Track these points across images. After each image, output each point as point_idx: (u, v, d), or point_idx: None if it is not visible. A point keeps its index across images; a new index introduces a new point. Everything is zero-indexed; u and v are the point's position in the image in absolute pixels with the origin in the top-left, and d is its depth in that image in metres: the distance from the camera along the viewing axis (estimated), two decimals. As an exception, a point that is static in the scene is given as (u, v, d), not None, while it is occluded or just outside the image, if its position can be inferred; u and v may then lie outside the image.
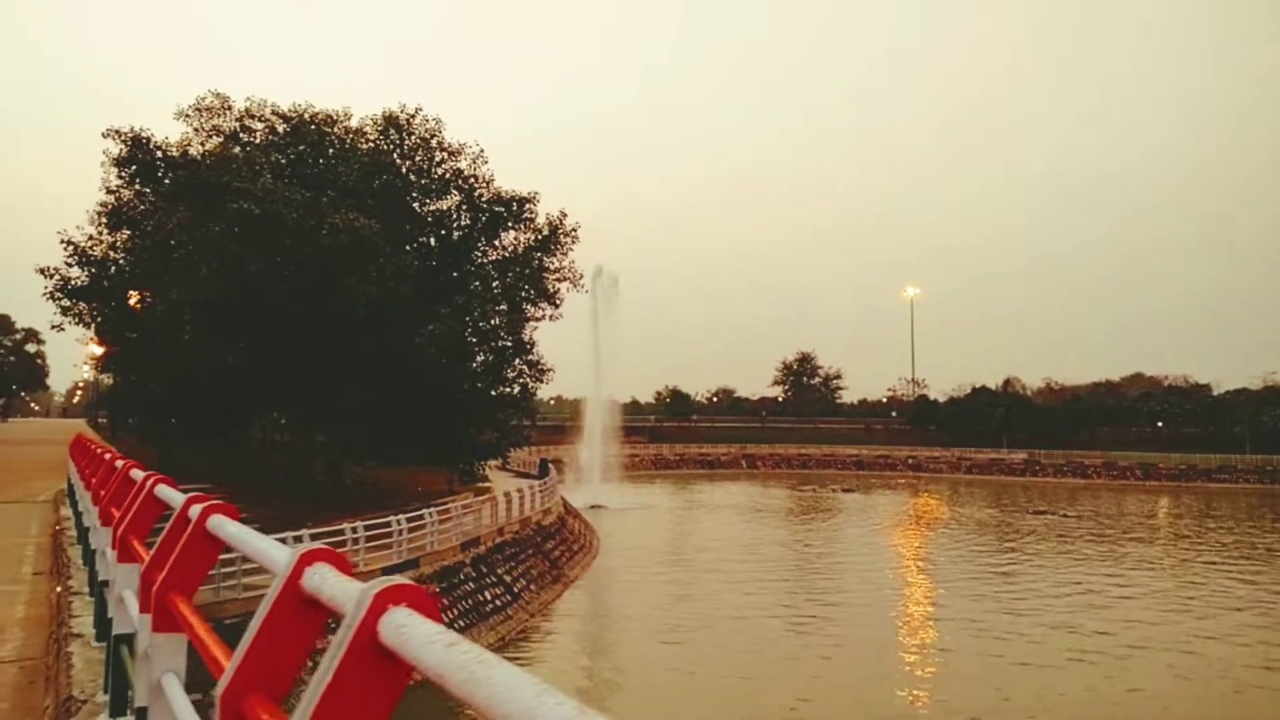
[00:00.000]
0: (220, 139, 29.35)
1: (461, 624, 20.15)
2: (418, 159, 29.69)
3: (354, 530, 19.07)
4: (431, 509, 22.14)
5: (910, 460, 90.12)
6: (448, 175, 30.03)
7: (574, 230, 31.47)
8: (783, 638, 22.31)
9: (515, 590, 24.04)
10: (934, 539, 44.14)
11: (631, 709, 17.30)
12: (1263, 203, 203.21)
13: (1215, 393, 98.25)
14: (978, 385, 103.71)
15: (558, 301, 31.58)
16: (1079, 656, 20.46)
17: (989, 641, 21.99)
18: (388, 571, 19.55)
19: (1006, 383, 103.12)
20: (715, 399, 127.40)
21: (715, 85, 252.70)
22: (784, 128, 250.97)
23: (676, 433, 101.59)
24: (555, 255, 31.19)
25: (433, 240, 31.36)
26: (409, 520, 20.71)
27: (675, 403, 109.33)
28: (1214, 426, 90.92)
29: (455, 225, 30.90)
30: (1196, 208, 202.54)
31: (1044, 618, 24.51)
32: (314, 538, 18.38)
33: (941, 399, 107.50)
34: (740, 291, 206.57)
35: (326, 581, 1.74)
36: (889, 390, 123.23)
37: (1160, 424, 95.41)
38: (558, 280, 31.54)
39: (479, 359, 29.94)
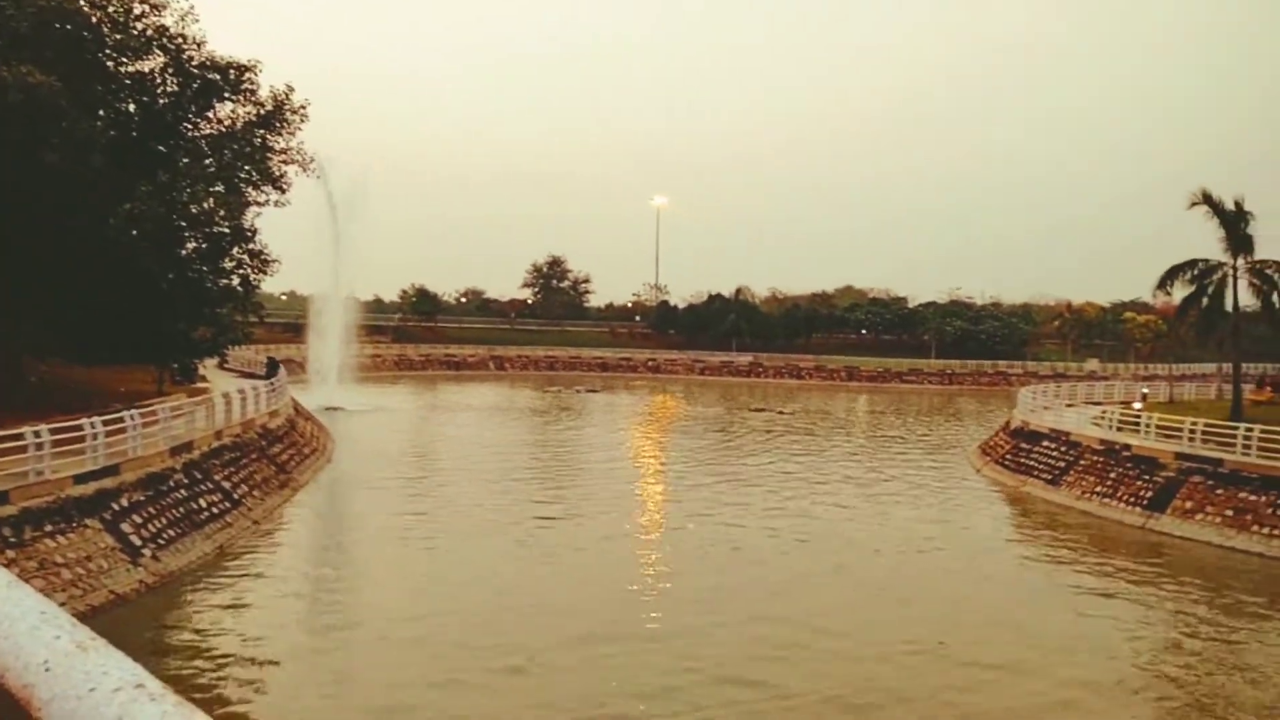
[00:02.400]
0: None
1: (171, 533, 18.61)
2: (111, 9, 25.30)
3: (37, 434, 16.77)
4: (134, 411, 19.99)
5: (650, 363, 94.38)
6: (149, 32, 25.94)
7: (302, 108, 28.55)
8: (527, 535, 22.70)
9: (236, 497, 22.53)
10: (667, 432, 47.76)
11: (362, 612, 17.01)
12: (964, 133, 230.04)
13: (910, 305, 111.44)
14: (714, 293, 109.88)
15: (284, 186, 28.70)
16: (784, 519, 23.39)
17: (715, 520, 24.20)
18: (81, 480, 17.52)
19: (738, 291, 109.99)
20: (464, 299, 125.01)
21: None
22: (553, 33, 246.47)
23: (422, 333, 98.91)
24: (281, 135, 28.25)
25: (132, 106, 27.25)
26: (106, 423, 18.57)
27: (421, 302, 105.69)
28: (908, 334, 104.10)
29: (160, 91, 26.97)
30: (912, 140, 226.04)
31: (759, 495, 27.65)
32: (-17, 444, 16.02)
33: (682, 305, 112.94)
34: (493, 192, 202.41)
35: None
36: (634, 296, 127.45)
37: (864, 331, 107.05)
38: (284, 162, 28.66)
39: (190, 245, 26.80)
